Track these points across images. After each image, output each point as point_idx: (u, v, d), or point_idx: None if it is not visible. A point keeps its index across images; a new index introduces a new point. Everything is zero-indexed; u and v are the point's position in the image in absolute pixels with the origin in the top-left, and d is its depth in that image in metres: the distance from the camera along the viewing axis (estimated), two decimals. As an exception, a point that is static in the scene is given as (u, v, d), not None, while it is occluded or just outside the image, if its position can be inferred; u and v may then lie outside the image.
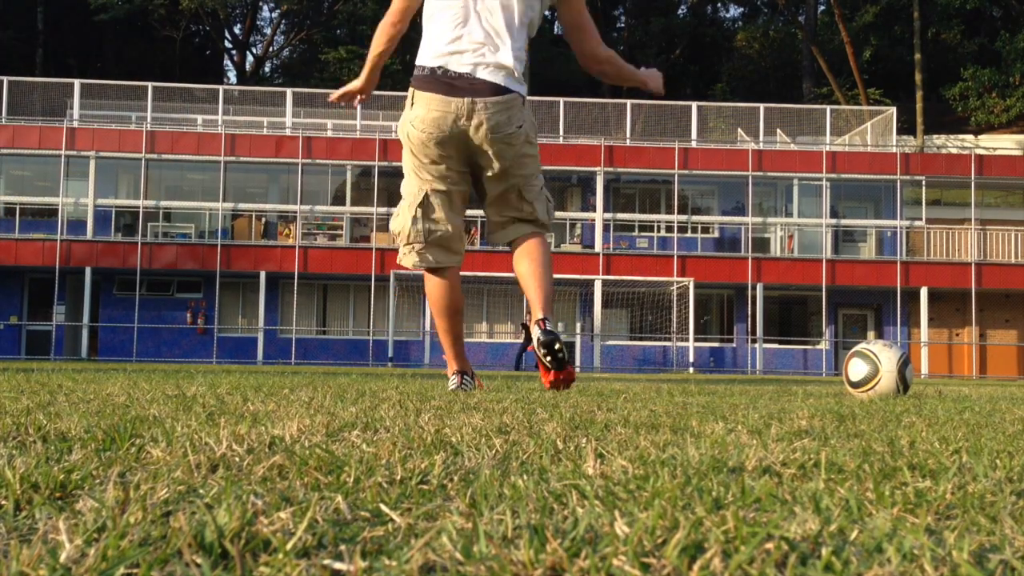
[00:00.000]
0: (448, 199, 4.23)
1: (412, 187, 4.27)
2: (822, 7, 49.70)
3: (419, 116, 4.08)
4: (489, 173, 4.22)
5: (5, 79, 28.36)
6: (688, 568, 0.75)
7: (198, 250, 26.68)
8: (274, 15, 52.60)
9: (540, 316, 4.10)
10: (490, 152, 4.13)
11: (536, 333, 4.07)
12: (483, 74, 4.04)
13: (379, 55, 4.32)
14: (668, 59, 51.44)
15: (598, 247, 27.15)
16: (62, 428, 1.79)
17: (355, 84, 4.43)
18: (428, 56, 4.10)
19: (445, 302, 4.40)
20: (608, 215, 27.88)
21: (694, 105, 30.03)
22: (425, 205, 4.23)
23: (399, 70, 44.47)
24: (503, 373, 14.80)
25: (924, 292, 27.27)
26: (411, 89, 4.15)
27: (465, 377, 4.43)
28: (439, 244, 4.27)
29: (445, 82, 4.03)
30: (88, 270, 26.06)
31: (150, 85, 29.11)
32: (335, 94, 4.42)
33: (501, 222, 4.35)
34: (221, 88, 30.22)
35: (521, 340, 25.45)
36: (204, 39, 53.07)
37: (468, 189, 4.32)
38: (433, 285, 4.40)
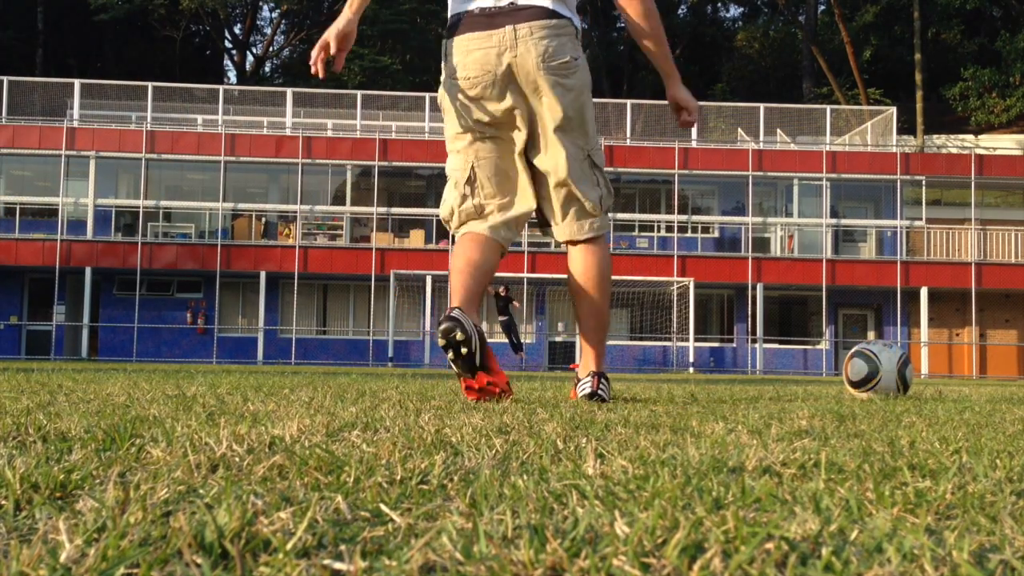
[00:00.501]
0: (499, 166, 3.57)
1: (456, 162, 3.60)
2: (822, 7, 49.71)
3: (458, 63, 3.46)
4: (549, 125, 3.49)
5: (5, 79, 28.37)
6: (688, 568, 0.74)
7: (198, 250, 26.68)
8: (274, 15, 52.61)
9: (593, 369, 3.62)
10: (545, 89, 3.43)
11: (585, 387, 3.55)
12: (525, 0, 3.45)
13: None
14: (668, 59, 51.39)
15: (598, 247, 27.13)
16: (62, 428, 1.79)
17: (346, 20, 3.54)
18: (459, 1, 3.54)
19: (476, 257, 3.54)
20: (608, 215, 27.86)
21: (694, 105, 29.99)
22: (472, 181, 3.57)
23: (399, 70, 44.48)
24: (505, 373, 14.77)
25: (924, 292, 27.27)
26: (443, 43, 3.55)
27: (461, 318, 3.29)
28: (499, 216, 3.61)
29: (483, 17, 3.44)
30: (88, 270, 26.06)
31: (150, 85, 29.11)
32: (321, 51, 3.49)
33: (560, 206, 3.63)
34: (221, 88, 30.23)
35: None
36: (204, 39, 53.07)
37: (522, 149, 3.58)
38: (470, 243, 3.56)
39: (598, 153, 3.64)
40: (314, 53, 3.52)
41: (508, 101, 3.47)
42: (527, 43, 3.40)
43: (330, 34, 3.53)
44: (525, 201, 3.61)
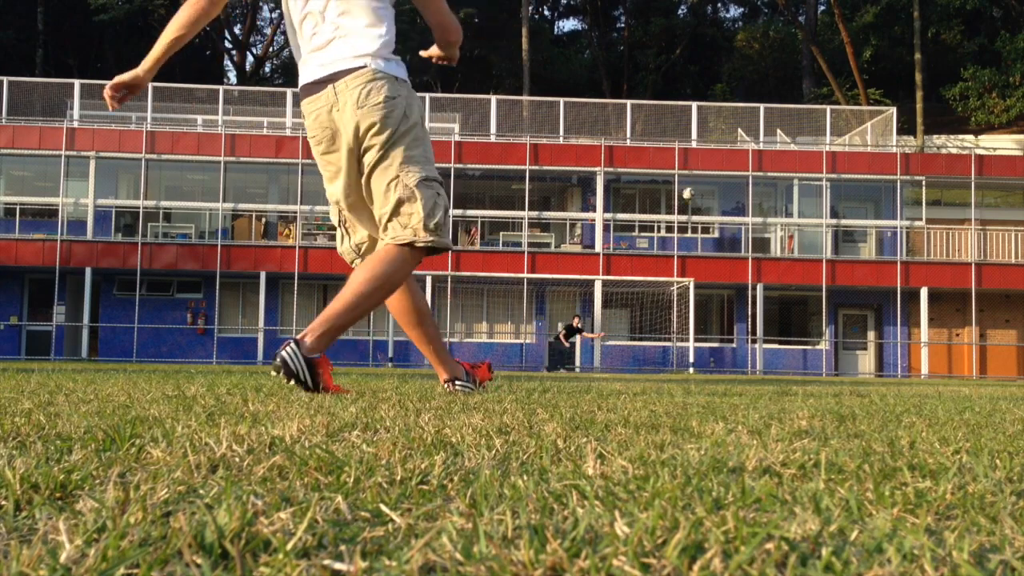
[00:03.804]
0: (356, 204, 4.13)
1: (331, 209, 4.31)
2: (822, 7, 49.73)
3: (306, 124, 4.06)
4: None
5: (5, 79, 28.36)
6: (688, 568, 0.74)
7: (198, 250, 26.68)
8: (274, 15, 52.62)
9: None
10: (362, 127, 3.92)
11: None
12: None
13: (174, 41, 3.96)
14: (668, 59, 51.47)
15: (598, 247, 27.16)
16: (62, 428, 1.79)
17: (132, 75, 3.97)
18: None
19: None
20: (608, 215, 27.88)
21: (694, 105, 30.03)
22: (344, 223, 4.21)
23: (399, 70, 44.46)
24: (503, 373, 14.81)
25: (924, 292, 27.27)
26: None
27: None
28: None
29: (311, 84, 4.02)
30: (88, 270, 26.06)
31: (150, 85, 29.07)
32: (111, 90, 3.91)
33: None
34: (221, 88, 30.22)
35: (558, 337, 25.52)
36: (204, 39, 53.04)
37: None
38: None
39: (412, 175, 3.87)
40: (105, 92, 3.96)
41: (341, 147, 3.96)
42: (344, 95, 3.86)
43: (116, 81, 3.97)
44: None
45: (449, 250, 4.02)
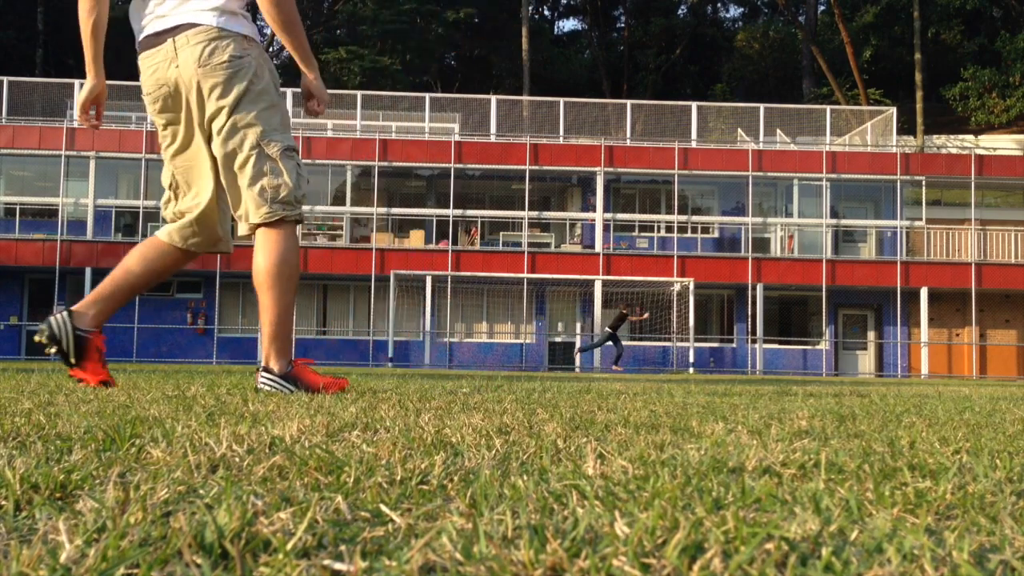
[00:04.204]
0: (192, 168, 3.97)
1: (164, 169, 4.00)
2: (822, 7, 49.75)
3: (142, 81, 3.92)
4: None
5: (5, 79, 28.36)
6: (688, 568, 0.74)
7: (198, 250, 26.65)
8: (274, 15, 52.54)
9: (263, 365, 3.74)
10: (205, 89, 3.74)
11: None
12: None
13: (93, 28, 3.95)
14: (668, 59, 51.47)
15: (598, 247, 27.16)
16: (62, 428, 1.79)
17: (89, 88, 3.93)
18: (137, 21, 4.03)
19: (131, 264, 3.99)
20: (608, 215, 27.88)
21: (694, 105, 30.03)
22: (174, 186, 3.99)
23: (399, 70, 44.48)
24: (503, 373, 14.81)
25: (924, 292, 27.27)
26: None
27: (55, 325, 3.73)
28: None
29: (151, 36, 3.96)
30: (88, 270, 26.05)
31: (150, 85, 29.06)
32: (83, 115, 3.91)
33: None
34: (221, 88, 30.17)
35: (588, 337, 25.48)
36: (204, 39, 53.07)
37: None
38: (139, 248, 3.98)
39: (275, 147, 3.70)
40: (80, 121, 3.99)
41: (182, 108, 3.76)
42: (185, 51, 3.70)
43: (80, 104, 3.94)
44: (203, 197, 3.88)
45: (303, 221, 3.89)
